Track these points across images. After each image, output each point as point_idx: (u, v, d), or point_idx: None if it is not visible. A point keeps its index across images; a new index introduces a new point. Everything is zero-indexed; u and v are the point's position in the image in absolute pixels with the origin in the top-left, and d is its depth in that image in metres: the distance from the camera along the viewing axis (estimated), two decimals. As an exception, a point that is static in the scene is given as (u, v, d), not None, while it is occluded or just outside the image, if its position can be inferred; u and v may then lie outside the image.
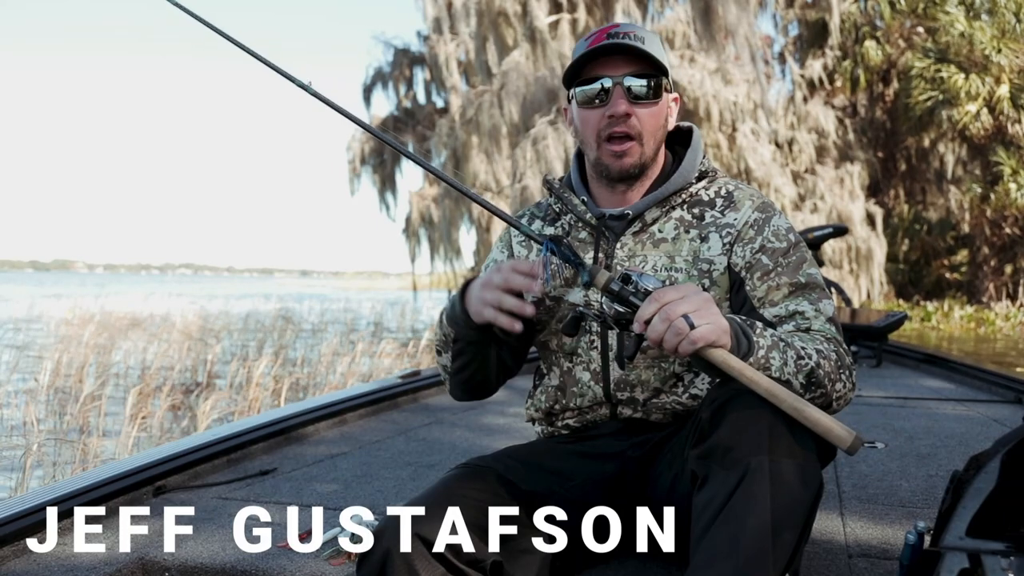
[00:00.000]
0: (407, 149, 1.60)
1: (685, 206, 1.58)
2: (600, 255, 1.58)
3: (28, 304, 18.49)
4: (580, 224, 1.63)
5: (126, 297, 18.52)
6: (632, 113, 1.52)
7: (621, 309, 1.31)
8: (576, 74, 1.55)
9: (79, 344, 8.68)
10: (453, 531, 1.32)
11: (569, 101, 1.60)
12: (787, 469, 1.18)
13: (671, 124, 1.62)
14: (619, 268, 1.56)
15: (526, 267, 1.40)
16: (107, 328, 11.03)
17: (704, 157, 1.64)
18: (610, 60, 1.52)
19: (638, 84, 1.51)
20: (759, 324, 1.33)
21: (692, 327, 1.20)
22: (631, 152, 1.54)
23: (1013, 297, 22.06)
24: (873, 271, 21.93)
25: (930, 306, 21.44)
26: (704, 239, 1.54)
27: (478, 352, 1.55)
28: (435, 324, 1.64)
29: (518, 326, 1.41)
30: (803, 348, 1.34)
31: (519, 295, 1.41)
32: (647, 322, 1.24)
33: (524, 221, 1.73)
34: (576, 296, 1.59)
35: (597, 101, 1.53)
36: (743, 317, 1.33)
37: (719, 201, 1.58)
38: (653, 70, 1.52)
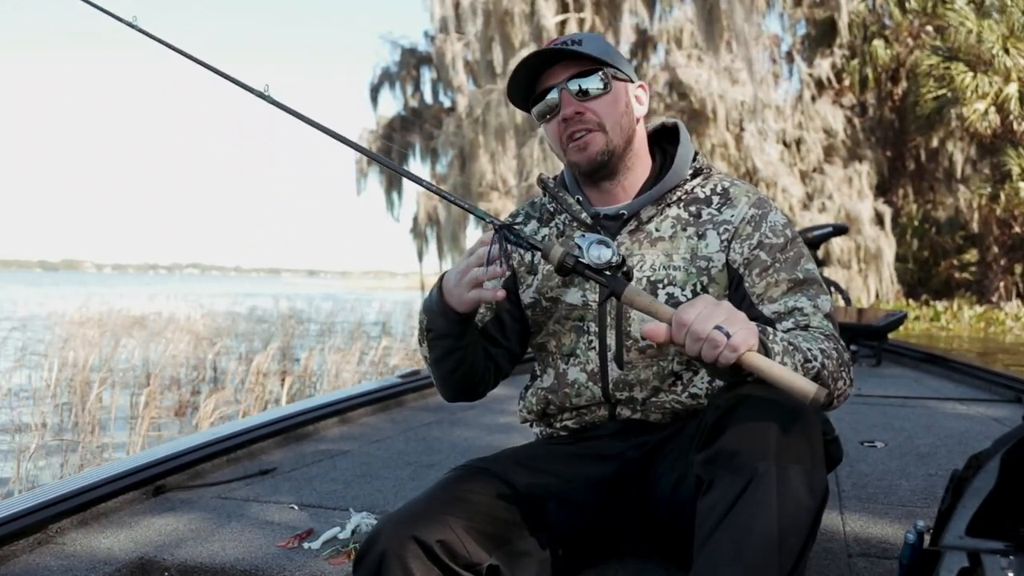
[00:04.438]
0: (371, 151, 1.59)
1: (681, 204, 1.57)
2: None
3: (36, 304, 18.59)
4: (575, 223, 1.62)
5: (134, 298, 18.58)
6: (584, 109, 1.53)
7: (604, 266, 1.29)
8: (531, 98, 1.58)
9: (85, 343, 8.71)
10: (450, 533, 1.31)
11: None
12: (794, 475, 1.17)
13: (641, 111, 1.61)
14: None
15: (476, 260, 1.40)
16: (113, 327, 11.07)
17: (698, 154, 1.63)
18: (552, 72, 1.54)
19: (582, 82, 1.53)
20: (770, 330, 1.31)
21: (728, 336, 1.16)
22: (594, 140, 1.54)
23: (1023, 297, 21.96)
24: (882, 270, 21.88)
25: (939, 306, 21.35)
26: (702, 236, 1.54)
27: (456, 344, 1.53)
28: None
29: (500, 293, 1.40)
30: (809, 350, 1.33)
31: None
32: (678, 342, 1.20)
33: (519, 220, 1.72)
34: (573, 296, 1.58)
35: (549, 114, 1.56)
36: (757, 323, 1.31)
37: (715, 198, 1.57)
38: (595, 66, 1.53)
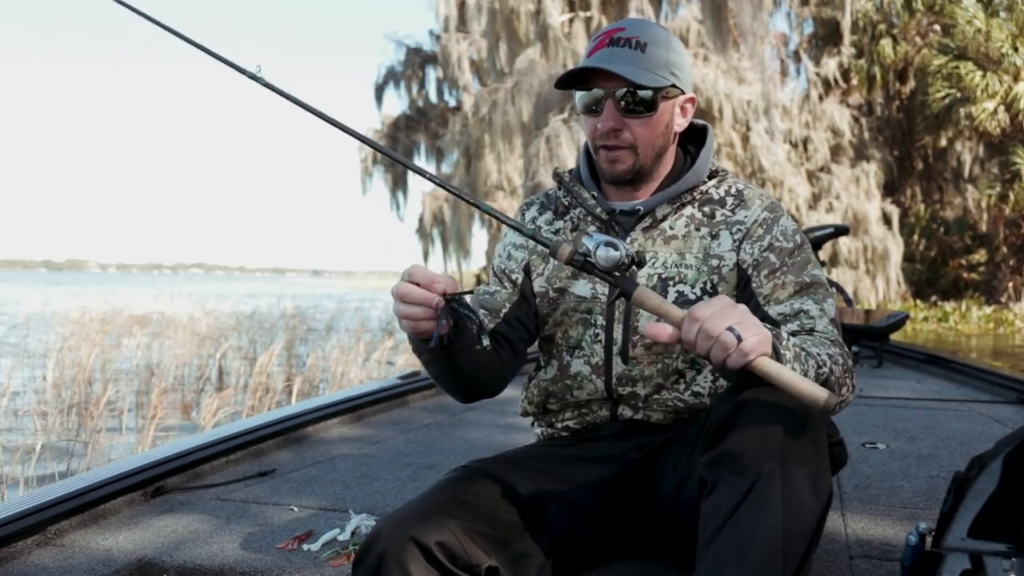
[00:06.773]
0: (380, 145, 1.49)
1: (696, 204, 1.59)
2: None
3: (40, 303, 18.65)
4: (590, 218, 1.62)
5: (138, 297, 18.63)
6: (624, 126, 1.50)
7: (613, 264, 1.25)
8: (580, 74, 1.53)
9: (87, 343, 8.72)
10: (449, 535, 1.31)
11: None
12: (798, 477, 1.17)
13: (681, 126, 1.59)
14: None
15: (417, 292, 1.29)
16: (116, 327, 11.09)
17: (713, 157, 1.64)
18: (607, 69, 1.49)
19: (630, 98, 1.49)
20: (784, 334, 1.30)
21: (739, 339, 1.15)
22: (623, 159, 1.53)
23: (1032, 297, 21.88)
24: (890, 271, 21.82)
25: (948, 306, 21.28)
26: (715, 236, 1.55)
27: (447, 360, 1.45)
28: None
29: (443, 330, 1.31)
30: (819, 355, 1.33)
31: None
32: (689, 341, 1.17)
33: (535, 208, 1.71)
34: (582, 288, 1.58)
35: (593, 108, 1.52)
36: (768, 326, 1.29)
37: (729, 200, 1.58)
38: (651, 80, 1.48)
